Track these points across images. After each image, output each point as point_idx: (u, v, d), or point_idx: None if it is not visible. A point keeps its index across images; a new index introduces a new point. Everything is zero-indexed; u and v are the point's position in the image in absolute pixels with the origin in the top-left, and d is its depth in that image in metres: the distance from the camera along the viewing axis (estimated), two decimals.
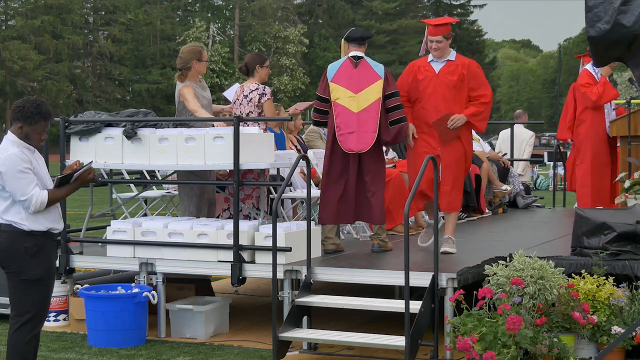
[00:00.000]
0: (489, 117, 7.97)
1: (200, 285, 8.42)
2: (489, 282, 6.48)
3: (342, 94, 7.66)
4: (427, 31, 7.81)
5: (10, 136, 5.43)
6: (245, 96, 8.42)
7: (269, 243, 7.05)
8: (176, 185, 9.03)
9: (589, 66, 10.48)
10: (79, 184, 5.56)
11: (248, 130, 7.90)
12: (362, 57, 7.74)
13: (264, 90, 8.39)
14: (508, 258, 6.79)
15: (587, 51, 11.99)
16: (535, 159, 16.30)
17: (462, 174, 7.92)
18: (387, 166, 8.52)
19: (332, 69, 7.81)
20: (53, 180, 5.58)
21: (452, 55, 7.81)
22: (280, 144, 9.51)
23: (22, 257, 5.33)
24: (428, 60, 7.82)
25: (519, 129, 14.07)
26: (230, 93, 9.13)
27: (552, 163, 19.57)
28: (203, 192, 8.41)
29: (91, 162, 5.86)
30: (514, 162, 13.09)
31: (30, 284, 5.36)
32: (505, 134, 14.20)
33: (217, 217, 8.59)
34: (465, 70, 7.72)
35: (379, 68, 7.69)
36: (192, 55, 8.28)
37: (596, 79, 10.41)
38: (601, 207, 9.54)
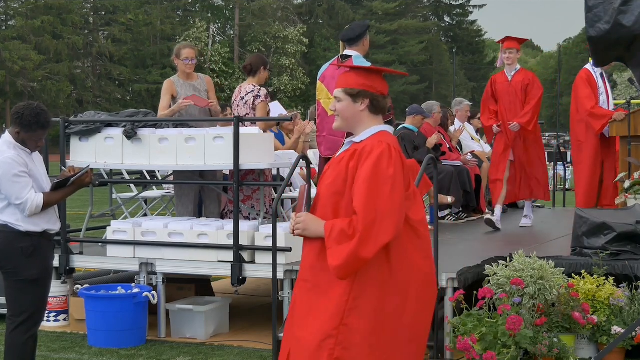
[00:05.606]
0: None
1: (200, 286, 8.42)
2: (489, 282, 6.47)
3: (325, 95, 7.55)
4: None
5: (7, 137, 5.41)
6: (242, 97, 8.40)
7: (269, 243, 7.05)
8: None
9: (589, 65, 10.42)
10: (75, 188, 5.56)
11: (248, 131, 7.89)
12: (349, 57, 7.58)
13: (258, 92, 8.33)
14: (508, 258, 6.79)
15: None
16: None
17: None
18: None
19: (323, 67, 7.76)
20: (52, 182, 5.57)
21: None
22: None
23: (18, 258, 5.33)
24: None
25: None
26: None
27: (552, 163, 19.59)
28: (197, 194, 8.41)
29: (89, 165, 5.85)
30: None
31: (27, 284, 5.36)
32: None
33: (223, 216, 8.58)
34: None
35: None
36: (175, 52, 8.39)
37: (595, 79, 10.33)
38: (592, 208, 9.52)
